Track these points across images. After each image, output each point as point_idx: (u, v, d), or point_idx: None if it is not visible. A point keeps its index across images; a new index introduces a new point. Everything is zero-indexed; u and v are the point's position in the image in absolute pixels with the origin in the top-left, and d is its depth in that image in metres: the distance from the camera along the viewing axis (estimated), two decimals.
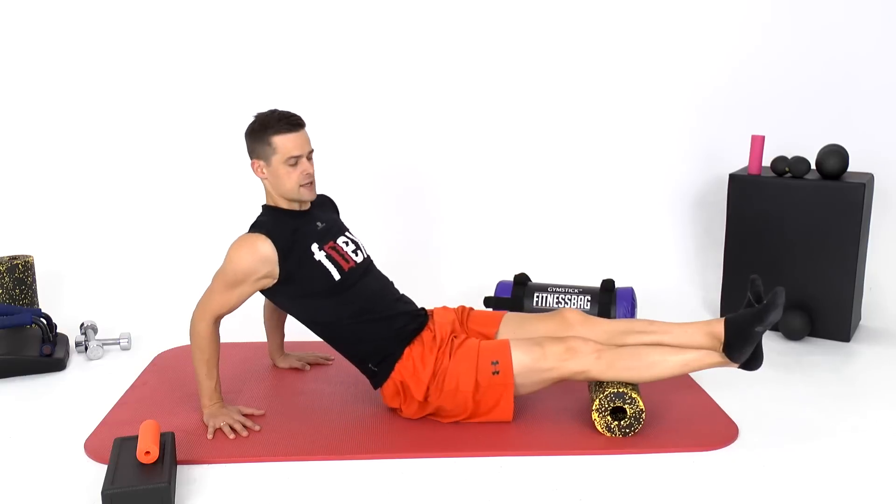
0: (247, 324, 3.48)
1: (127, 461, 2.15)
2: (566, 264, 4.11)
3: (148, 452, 2.14)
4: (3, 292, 3.37)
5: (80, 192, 4.04)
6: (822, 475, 2.25)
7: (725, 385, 2.88)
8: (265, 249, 2.42)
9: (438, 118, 4.14)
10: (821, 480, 2.22)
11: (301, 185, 2.49)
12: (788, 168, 3.38)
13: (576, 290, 3.36)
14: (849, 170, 3.79)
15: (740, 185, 3.44)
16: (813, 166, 3.78)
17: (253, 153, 2.51)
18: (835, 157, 3.29)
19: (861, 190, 3.22)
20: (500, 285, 3.44)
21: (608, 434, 2.45)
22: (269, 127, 2.45)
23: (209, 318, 2.48)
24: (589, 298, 3.33)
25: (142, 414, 2.64)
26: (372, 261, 2.68)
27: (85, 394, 2.83)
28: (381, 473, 2.27)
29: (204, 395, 2.54)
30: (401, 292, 2.69)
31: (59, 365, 3.03)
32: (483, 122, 4.15)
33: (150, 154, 4.07)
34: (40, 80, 3.97)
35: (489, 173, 4.18)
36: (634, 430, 2.44)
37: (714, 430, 2.50)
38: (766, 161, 3.99)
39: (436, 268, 4.12)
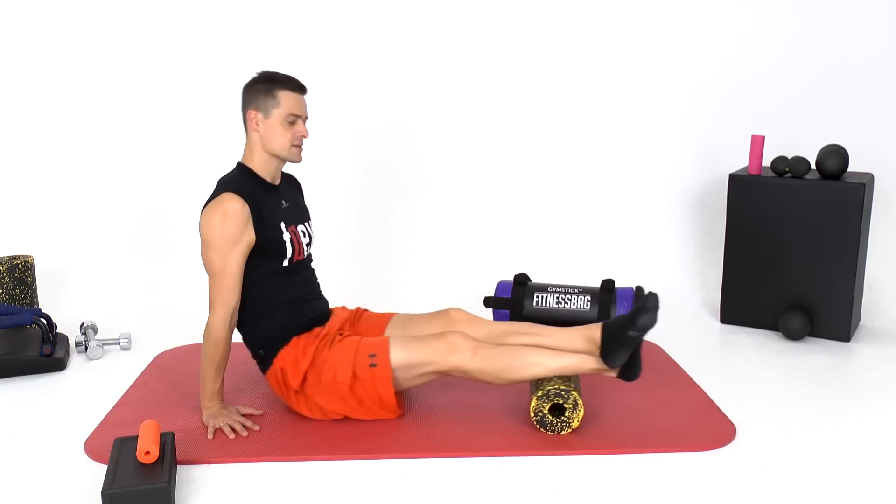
0: None
1: (127, 461, 2.15)
2: (566, 264, 4.11)
3: (148, 452, 2.14)
4: (3, 292, 3.37)
5: (80, 192, 4.04)
6: (822, 475, 2.25)
7: (725, 385, 2.88)
8: (240, 209, 2.41)
9: (439, 118, 4.14)
10: (820, 480, 2.22)
11: (294, 145, 2.51)
12: (788, 168, 3.38)
13: (576, 290, 3.36)
14: (849, 170, 3.79)
15: (740, 185, 3.44)
16: (813, 166, 3.78)
17: (251, 104, 2.50)
18: (835, 157, 3.29)
19: (861, 190, 3.22)
20: (500, 285, 3.44)
21: (572, 426, 2.46)
22: (277, 81, 2.47)
23: (223, 314, 2.45)
24: (589, 298, 3.33)
25: (142, 414, 2.64)
26: (311, 258, 2.72)
27: (85, 394, 2.83)
28: (381, 473, 2.27)
29: (206, 395, 2.54)
30: (320, 291, 2.73)
31: (59, 365, 3.03)
32: (483, 123, 4.15)
33: (150, 154, 4.08)
34: (40, 80, 3.97)
35: (489, 173, 4.18)
36: (575, 418, 2.45)
37: (713, 430, 2.50)
38: (766, 161, 3.99)
39: (436, 268, 4.12)
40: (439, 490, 2.18)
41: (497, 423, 2.54)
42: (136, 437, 2.29)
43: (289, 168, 4.19)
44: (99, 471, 2.29)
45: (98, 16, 3.95)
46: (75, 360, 3.17)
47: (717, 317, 3.66)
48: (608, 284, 3.35)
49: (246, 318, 2.58)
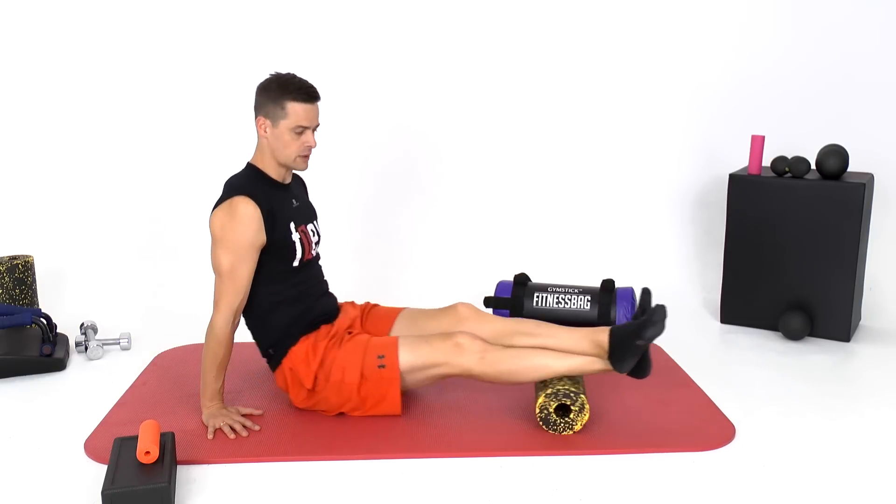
0: None
1: (127, 461, 2.15)
2: (566, 264, 4.11)
3: (148, 452, 2.14)
4: (3, 292, 3.37)
5: (80, 192, 4.04)
6: (822, 475, 2.25)
7: (724, 385, 2.88)
8: (253, 212, 2.41)
9: (439, 118, 4.14)
10: (820, 480, 2.22)
11: (300, 156, 2.50)
12: (788, 168, 3.38)
13: (576, 290, 3.36)
14: (849, 170, 3.79)
15: (740, 185, 3.44)
16: (813, 166, 3.78)
17: (261, 110, 2.49)
18: (835, 157, 3.29)
19: (861, 190, 3.21)
20: (500, 285, 3.44)
21: (575, 428, 2.46)
22: (286, 92, 2.44)
23: (227, 314, 2.45)
24: (589, 298, 3.33)
25: (142, 414, 2.64)
26: (319, 257, 2.73)
27: (85, 394, 2.83)
28: (381, 473, 2.27)
29: (206, 395, 2.54)
30: (328, 288, 2.73)
31: (59, 365, 3.03)
32: (483, 123, 4.15)
33: (150, 154, 4.07)
34: (40, 80, 3.97)
35: (489, 173, 4.18)
36: (579, 422, 2.45)
37: (713, 430, 2.50)
38: (766, 161, 3.99)
39: (436, 268, 4.12)
40: (439, 490, 2.18)
41: (497, 423, 2.54)
42: (136, 437, 2.29)
43: None
44: (99, 471, 2.28)
45: (100, 16, 3.94)
46: (75, 360, 3.17)
47: (717, 317, 3.66)
48: (608, 284, 3.35)
49: (255, 316, 2.58)
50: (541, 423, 2.48)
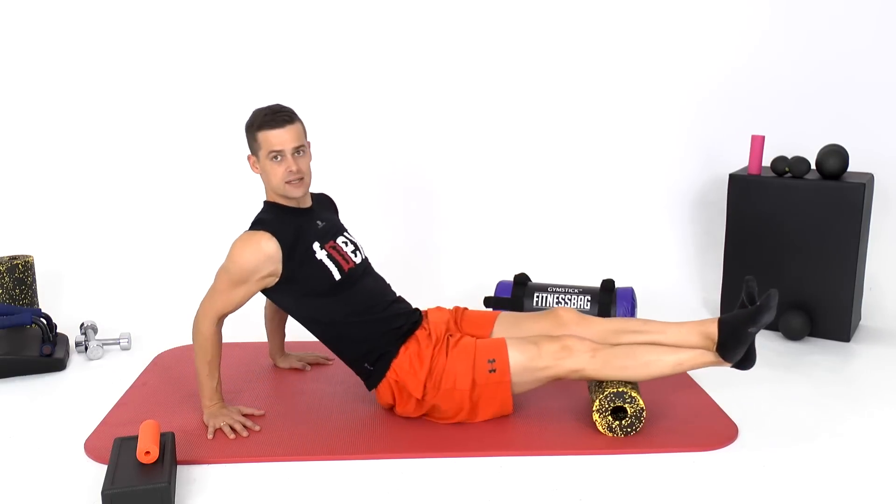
0: (247, 324, 3.48)
1: (127, 461, 2.15)
2: (566, 264, 4.11)
3: (148, 452, 2.14)
4: (3, 292, 3.37)
5: (80, 192, 4.04)
6: (822, 475, 2.25)
7: (725, 385, 2.88)
8: (269, 248, 2.42)
9: (439, 118, 4.14)
10: (821, 480, 2.22)
11: (286, 182, 2.48)
12: (788, 168, 3.38)
13: (576, 290, 3.36)
14: (849, 170, 3.79)
15: (740, 185, 3.44)
16: (813, 166, 3.78)
17: (249, 148, 2.53)
18: (835, 157, 3.29)
19: (861, 190, 3.22)
20: (500, 285, 3.44)
21: (610, 434, 2.45)
22: (256, 123, 2.47)
23: (213, 317, 2.48)
24: (589, 298, 3.33)
25: (142, 414, 2.64)
26: (370, 262, 2.68)
27: (85, 394, 2.83)
28: (381, 473, 2.27)
29: (205, 395, 2.54)
30: (397, 294, 2.69)
31: (59, 365, 3.03)
32: (483, 123, 4.15)
33: (150, 154, 4.07)
34: (40, 80, 3.97)
35: (489, 173, 4.18)
36: (636, 428, 2.44)
37: (714, 430, 2.50)
38: (766, 161, 3.99)
39: (436, 268, 4.12)
40: (439, 490, 2.18)
41: (497, 423, 2.54)
42: (136, 437, 2.28)
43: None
44: (99, 471, 2.28)
45: (101, 18, 3.94)
46: (75, 360, 3.17)
47: (716, 316, 3.65)
48: (608, 284, 3.35)
49: (327, 338, 2.57)
50: (597, 405, 2.44)
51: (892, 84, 3.86)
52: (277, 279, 2.47)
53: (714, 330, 2.49)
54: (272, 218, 2.51)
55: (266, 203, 2.58)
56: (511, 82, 4.12)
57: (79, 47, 3.96)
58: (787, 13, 3.93)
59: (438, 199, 4.20)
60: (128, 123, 4.05)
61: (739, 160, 4.06)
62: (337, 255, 2.54)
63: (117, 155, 4.06)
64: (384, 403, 2.59)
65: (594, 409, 2.45)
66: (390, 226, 4.19)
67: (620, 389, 2.43)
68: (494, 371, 2.45)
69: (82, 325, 3.23)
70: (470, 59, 4.09)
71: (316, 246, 2.52)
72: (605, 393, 2.43)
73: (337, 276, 2.51)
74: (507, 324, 2.68)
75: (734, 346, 2.43)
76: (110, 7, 3.94)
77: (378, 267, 4.13)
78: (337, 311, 2.52)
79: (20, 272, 3.39)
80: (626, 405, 2.43)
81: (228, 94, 4.03)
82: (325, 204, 2.77)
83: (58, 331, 3.42)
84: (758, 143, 3.44)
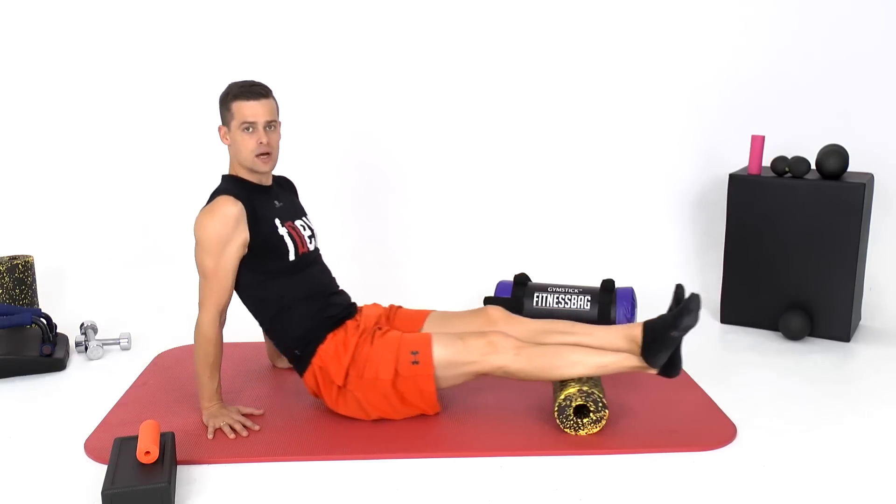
0: (247, 324, 3.47)
1: (127, 461, 2.15)
2: (566, 264, 4.10)
3: (148, 452, 2.14)
4: (3, 292, 3.37)
5: (80, 191, 4.04)
6: (822, 475, 2.25)
7: (725, 385, 2.88)
8: (233, 210, 2.44)
9: (439, 119, 4.14)
10: (820, 480, 2.22)
11: (256, 155, 2.50)
12: (788, 168, 3.38)
13: (576, 290, 3.36)
14: (849, 170, 3.79)
15: (740, 185, 3.44)
16: (813, 166, 3.78)
17: (221, 119, 2.55)
18: (835, 157, 3.29)
19: (861, 190, 3.21)
20: (500, 285, 3.44)
21: (582, 432, 2.46)
22: (230, 93, 2.49)
23: (213, 313, 2.47)
24: (589, 298, 3.33)
25: (142, 414, 2.64)
26: (320, 253, 2.72)
27: (85, 394, 2.83)
28: (381, 473, 2.27)
29: (204, 396, 2.54)
30: (340, 287, 2.74)
31: (59, 365, 3.03)
32: (484, 123, 4.15)
33: (151, 154, 4.08)
34: (40, 80, 3.97)
35: (490, 173, 4.18)
36: (601, 420, 2.45)
37: (713, 430, 2.50)
38: (766, 161, 3.99)
39: (436, 268, 4.12)
40: (439, 490, 2.18)
41: (497, 423, 2.54)
42: (136, 437, 2.28)
43: (285, 169, 4.19)
44: (99, 471, 2.28)
45: (100, 18, 3.94)
46: (75, 360, 3.17)
47: (717, 317, 3.66)
48: (608, 284, 3.35)
49: (270, 320, 2.58)
50: (557, 410, 2.46)
51: (892, 84, 3.86)
52: (248, 248, 2.48)
53: (638, 333, 2.49)
54: (230, 187, 2.53)
55: (224, 176, 2.59)
56: (512, 82, 4.12)
57: (80, 49, 3.96)
58: (788, 14, 3.92)
59: (438, 200, 4.20)
60: (127, 124, 4.05)
61: (739, 160, 4.06)
62: (295, 235, 2.58)
63: (117, 155, 4.06)
64: (311, 391, 2.61)
65: (555, 414, 2.47)
66: (390, 226, 4.19)
67: (575, 390, 2.44)
68: (417, 363, 2.47)
69: (82, 325, 3.23)
70: (472, 60, 4.09)
71: (277, 222, 2.55)
72: (562, 397, 2.45)
73: (292, 256, 2.55)
74: (437, 321, 2.71)
75: (657, 350, 2.43)
76: (112, 10, 3.94)
77: (378, 267, 4.13)
78: (286, 294, 2.54)
79: (20, 272, 3.39)
80: (586, 402, 2.44)
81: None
82: (284, 186, 2.80)
83: (58, 331, 3.42)
84: (758, 143, 3.44)
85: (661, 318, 2.44)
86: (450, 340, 2.49)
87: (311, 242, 2.65)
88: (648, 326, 2.46)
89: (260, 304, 2.58)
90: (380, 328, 2.60)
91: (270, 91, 2.52)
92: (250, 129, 2.48)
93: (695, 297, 2.37)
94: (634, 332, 2.51)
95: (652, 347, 2.44)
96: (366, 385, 2.49)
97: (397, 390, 2.49)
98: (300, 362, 2.58)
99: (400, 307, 2.79)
